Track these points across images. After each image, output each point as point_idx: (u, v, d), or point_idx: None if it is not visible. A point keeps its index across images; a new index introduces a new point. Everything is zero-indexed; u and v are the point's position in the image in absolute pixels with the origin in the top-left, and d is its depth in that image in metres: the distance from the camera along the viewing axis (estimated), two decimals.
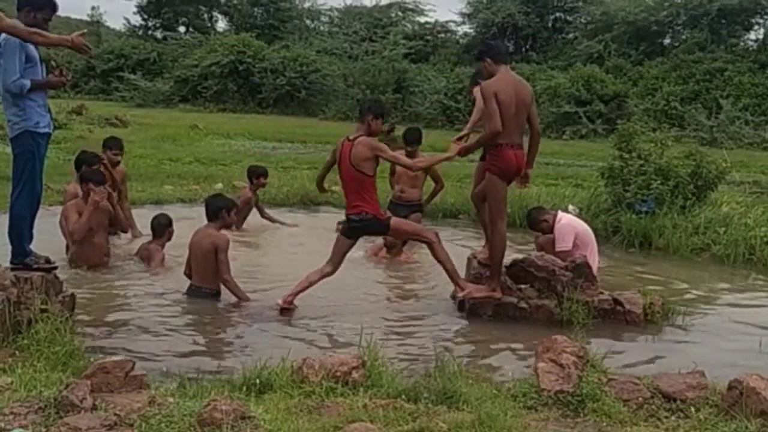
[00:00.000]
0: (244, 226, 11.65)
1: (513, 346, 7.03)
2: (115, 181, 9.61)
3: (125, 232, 10.00)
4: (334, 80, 43.23)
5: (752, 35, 43.91)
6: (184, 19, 58.91)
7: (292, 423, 4.46)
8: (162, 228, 9.26)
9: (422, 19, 54.73)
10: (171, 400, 4.62)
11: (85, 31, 6.73)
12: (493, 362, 6.60)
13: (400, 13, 54.82)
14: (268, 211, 12.35)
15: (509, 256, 8.09)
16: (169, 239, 9.30)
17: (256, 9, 55.25)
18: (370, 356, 5.37)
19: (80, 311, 7.01)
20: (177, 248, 9.11)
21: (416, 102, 39.42)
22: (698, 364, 5.63)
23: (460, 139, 8.22)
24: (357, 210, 7.78)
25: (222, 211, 8.15)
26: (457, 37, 53.99)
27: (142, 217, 10.44)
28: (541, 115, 27.39)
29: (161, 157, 19.97)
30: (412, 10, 55.00)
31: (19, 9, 6.39)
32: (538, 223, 9.16)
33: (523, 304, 7.72)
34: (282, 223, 12.29)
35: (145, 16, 59.02)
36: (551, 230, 8.99)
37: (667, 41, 45.72)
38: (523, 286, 7.90)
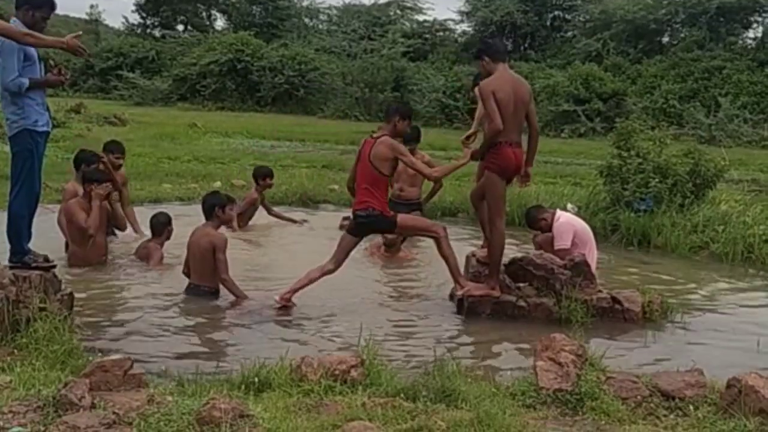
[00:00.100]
0: (250, 223, 11.71)
1: (511, 344, 7.04)
2: (116, 182, 9.60)
3: (123, 230, 9.98)
4: (332, 79, 43.21)
5: (751, 33, 44.00)
6: (182, 17, 58.91)
7: (290, 421, 4.46)
8: (161, 227, 9.25)
9: (421, 18, 54.82)
10: (170, 398, 4.62)
11: (80, 32, 6.70)
12: (491, 361, 6.61)
13: (398, 12, 54.82)
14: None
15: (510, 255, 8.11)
16: (168, 238, 9.29)
17: (254, 7, 55.27)
18: (368, 355, 5.37)
19: (79, 310, 7.01)
20: (175, 247, 9.10)
21: (415, 100, 39.39)
22: (697, 362, 5.64)
23: (468, 138, 8.19)
24: (364, 206, 7.78)
25: (215, 208, 8.14)
26: (456, 36, 54.02)
27: (141, 216, 10.43)
28: (539, 114, 27.39)
29: (160, 156, 19.96)
30: (410, 8, 55.01)
31: (18, 7, 6.38)
32: (536, 221, 9.16)
33: (522, 303, 7.73)
34: (291, 221, 12.31)
35: (144, 15, 59.02)
36: (550, 229, 8.99)
37: (665, 39, 45.73)
38: (521, 285, 7.90)
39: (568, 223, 9.01)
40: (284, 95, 43.29)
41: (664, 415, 4.96)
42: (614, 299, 7.72)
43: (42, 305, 6.03)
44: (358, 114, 40.06)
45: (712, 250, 11.02)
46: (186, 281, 8.15)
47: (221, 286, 7.97)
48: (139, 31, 58.27)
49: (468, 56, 44.85)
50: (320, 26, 56.98)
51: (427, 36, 51.86)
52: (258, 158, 20.82)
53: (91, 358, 5.35)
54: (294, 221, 12.33)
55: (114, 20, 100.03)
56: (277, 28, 53.34)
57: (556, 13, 51.16)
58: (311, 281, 7.75)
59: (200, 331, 7.09)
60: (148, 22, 59.15)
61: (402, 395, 4.94)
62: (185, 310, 7.64)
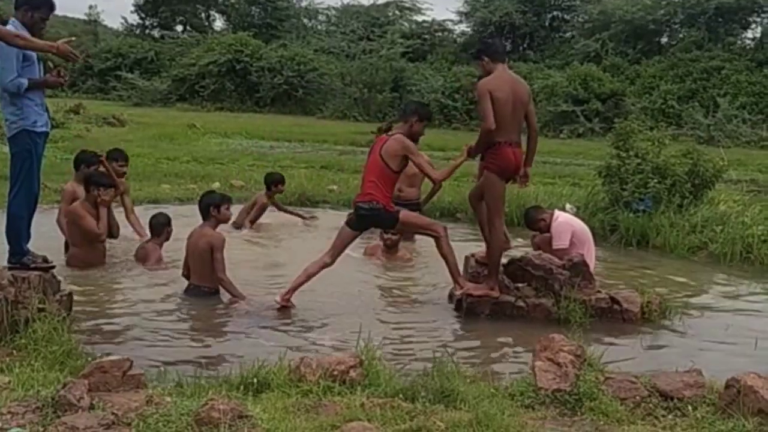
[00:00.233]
0: (260, 222, 11.90)
1: (510, 344, 7.04)
2: (117, 187, 9.59)
3: (115, 237, 9.88)
4: (331, 79, 43.25)
5: (749, 34, 44.08)
6: (181, 18, 58.92)
7: (289, 422, 4.46)
8: (160, 227, 9.25)
9: (420, 18, 54.90)
10: (168, 399, 4.62)
11: (74, 38, 6.70)
12: (490, 361, 6.61)
13: (397, 12, 54.85)
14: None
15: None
16: (167, 239, 9.28)
17: (253, 8, 55.31)
18: (367, 355, 5.37)
19: (78, 310, 7.01)
20: (174, 247, 9.10)
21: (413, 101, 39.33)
22: (695, 362, 5.64)
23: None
24: (368, 198, 7.77)
25: (210, 208, 8.14)
26: (455, 36, 54.07)
27: (140, 216, 10.42)
28: (538, 114, 27.41)
29: (159, 156, 19.96)
30: (409, 8, 55.06)
31: (17, 8, 6.38)
32: (535, 222, 9.16)
33: (521, 303, 7.73)
34: (301, 216, 12.54)
35: (143, 15, 59.05)
36: (548, 229, 8.99)
37: (664, 40, 45.77)
38: (520, 285, 7.90)
39: (566, 223, 9.02)
40: (283, 96, 43.32)
41: (663, 416, 4.96)
42: (613, 299, 7.72)
43: (41, 306, 6.03)
44: (357, 114, 40.10)
45: (711, 250, 11.02)
46: (185, 281, 8.15)
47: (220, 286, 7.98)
48: (137, 31, 58.30)
49: (467, 57, 44.85)
50: (319, 27, 57.01)
51: (426, 36, 51.88)
52: (257, 159, 20.84)
53: (89, 359, 5.35)
54: (303, 217, 12.51)
55: (113, 21, 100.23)
56: (276, 28, 53.36)
57: (555, 13, 51.21)
58: (309, 277, 7.74)
59: (199, 332, 7.09)
60: (147, 22, 59.16)
61: (401, 396, 4.94)
62: (184, 311, 7.64)
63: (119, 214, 9.79)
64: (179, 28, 58.51)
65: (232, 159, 20.49)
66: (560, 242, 8.80)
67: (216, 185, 14.47)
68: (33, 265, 6.45)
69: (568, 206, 11.88)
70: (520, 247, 9.94)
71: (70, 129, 25.02)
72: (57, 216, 9.49)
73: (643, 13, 43.64)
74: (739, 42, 42.77)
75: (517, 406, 4.95)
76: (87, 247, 8.87)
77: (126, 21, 60.24)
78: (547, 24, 50.99)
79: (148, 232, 9.52)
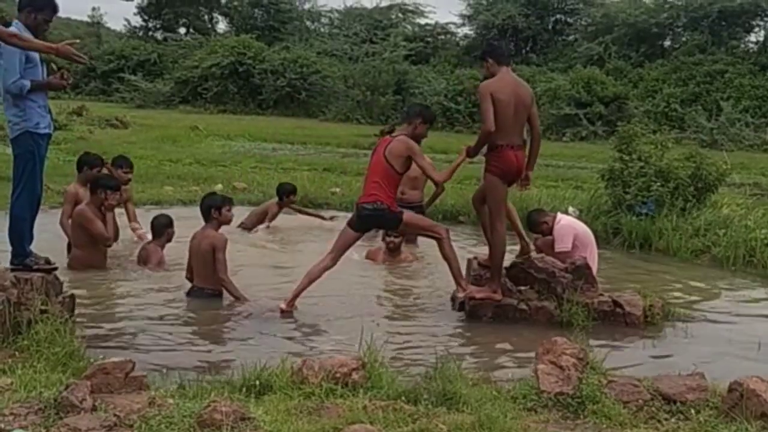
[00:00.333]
0: (275, 223, 12.01)
1: (513, 347, 7.03)
2: (122, 194, 9.60)
3: (114, 241, 9.85)
4: (334, 82, 43.28)
5: (752, 37, 44.09)
6: (184, 20, 59.00)
7: (291, 424, 4.46)
8: (161, 228, 9.25)
9: (422, 21, 54.98)
10: (171, 401, 4.62)
11: (77, 40, 6.70)
12: (493, 364, 6.60)
13: (400, 15, 54.90)
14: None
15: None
16: (169, 240, 9.28)
17: (256, 10, 55.34)
18: (370, 358, 5.36)
19: (80, 312, 7.01)
20: (176, 249, 9.11)
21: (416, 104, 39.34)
22: (698, 366, 5.63)
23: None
24: (372, 198, 7.76)
25: (211, 210, 8.14)
26: (458, 39, 54.09)
27: (143, 218, 10.43)
28: (541, 117, 27.39)
29: (161, 158, 19.99)
30: (412, 11, 55.10)
31: (20, 9, 6.39)
32: (538, 225, 9.15)
33: (523, 306, 7.72)
34: (321, 218, 12.65)
35: (146, 17, 59.12)
36: (551, 232, 8.99)
37: (667, 43, 45.80)
38: (523, 288, 7.90)
39: (568, 225, 9.01)
40: (286, 98, 43.36)
41: (666, 419, 4.95)
42: (615, 303, 7.71)
43: (43, 307, 6.02)
44: (360, 117, 40.11)
45: (714, 253, 11.01)
46: (187, 284, 8.15)
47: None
48: (140, 33, 58.37)
49: (470, 60, 44.96)
50: (322, 29, 57.06)
51: (429, 39, 51.92)
52: (259, 161, 20.86)
53: (92, 361, 5.35)
54: (323, 218, 12.61)
55: (116, 23, 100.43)
56: (279, 31, 53.41)
57: (558, 16, 51.22)
58: (312, 281, 7.73)
59: (201, 334, 7.09)
60: (150, 24, 59.25)
61: (403, 398, 4.93)
62: (186, 313, 7.64)
63: (118, 217, 9.79)
64: (182, 30, 58.62)
65: (235, 161, 20.51)
66: (563, 245, 8.79)
67: (219, 187, 14.48)
68: (36, 267, 6.45)
69: (570, 209, 11.85)
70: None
71: (72, 131, 25.09)
72: (60, 218, 9.49)
73: (646, 17, 43.68)
74: (742, 45, 42.78)
75: (520, 409, 4.95)
76: (90, 249, 8.88)
77: (129, 23, 60.36)
78: (550, 27, 50.98)
79: (149, 234, 9.52)
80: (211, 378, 5.38)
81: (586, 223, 9.85)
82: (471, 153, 7.80)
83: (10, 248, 6.50)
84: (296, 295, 7.63)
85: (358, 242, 8.30)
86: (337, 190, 15.23)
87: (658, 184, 11.77)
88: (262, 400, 4.86)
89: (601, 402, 4.99)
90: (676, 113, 35.78)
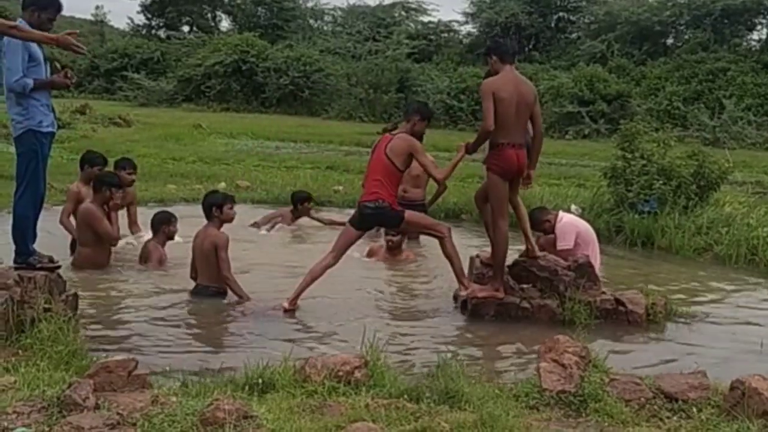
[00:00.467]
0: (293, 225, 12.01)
1: (515, 346, 7.04)
2: (125, 196, 9.62)
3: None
4: (337, 80, 43.27)
5: (755, 35, 44.05)
6: (187, 18, 59.02)
7: (294, 422, 4.47)
8: (157, 225, 9.25)
9: (425, 19, 54.92)
10: (174, 399, 4.63)
11: (77, 31, 6.70)
12: (495, 362, 6.62)
13: (403, 13, 54.89)
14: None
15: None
16: (170, 237, 9.27)
17: (259, 8, 55.35)
18: (372, 356, 5.37)
19: (83, 310, 7.02)
20: (180, 248, 9.12)
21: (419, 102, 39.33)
22: (700, 364, 5.64)
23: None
24: (374, 197, 7.76)
25: (213, 208, 8.15)
26: (461, 37, 54.08)
27: (145, 216, 10.43)
28: (543, 115, 27.43)
29: (165, 157, 19.99)
30: (415, 9, 55.07)
31: (24, 8, 6.40)
32: (540, 223, 9.14)
33: (526, 304, 7.72)
34: (340, 223, 12.49)
35: (149, 16, 59.16)
36: (553, 230, 8.99)
37: (670, 41, 45.76)
38: (525, 286, 7.90)
39: (570, 224, 9.02)
40: (289, 96, 43.35)
41: (668, 417, 4.96)
42: (618, 301, 7.72)
43: (47, 306, 6.05)
44: (363, 115, 40.12)
45: (716, 252, 11.02)
46: (191, 282, 8.16)
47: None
48: (144, 32, 58.40)
49: (473, 57, 44.96)
50: (325, 27, 57.08)
51: (432, 37, 51.90)
52: (263, 159, 20.86)
53: (95, 359, 5.37)
54: (342, 224, 12.47)
55: (119, 21, 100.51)
56: (282, 29, 53.41)
57: (561, 14, 51.18)
58: (314, 279, 7.74)
59: (204, 332, 7.10)
60: (153, 23, 59.27)
61: (405, 396, 4.94)
62: (189, 311, 7.65)
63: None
64: (185, 28, 58.60)
65: (238, 159, 20.51)
66: (564, 243, 8.79)
67: (222, 185, 14.50)
68: (39, 265, 6.47)
69: (573, 207, 11.86)
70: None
71: (76, 129, 25.08)
72: (60, 216, 9.50)
73: (649, 15, 43.63)
74: (744, 43, 42.73)
75: (522, 407, 4.96)
76: (96, 248, 8.87)
77: (132, 21, 60.41)
78: (552, 25, 50.94)
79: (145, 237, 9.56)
80: (214, 376, 5.40)
81: (588, 221, 9.86)
82: (470, 150, 7.82)
83: (13, 247, 6.51)
84: (298, 294, 7.63)
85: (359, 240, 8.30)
86: (340, 188, 15.24)
87: (661, 182, 11.77)
88: (264, 399, 4.87)
89: (603, 400, 5.00)
90: (678, 111, 35.73)
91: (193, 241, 8.21)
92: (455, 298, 8.15)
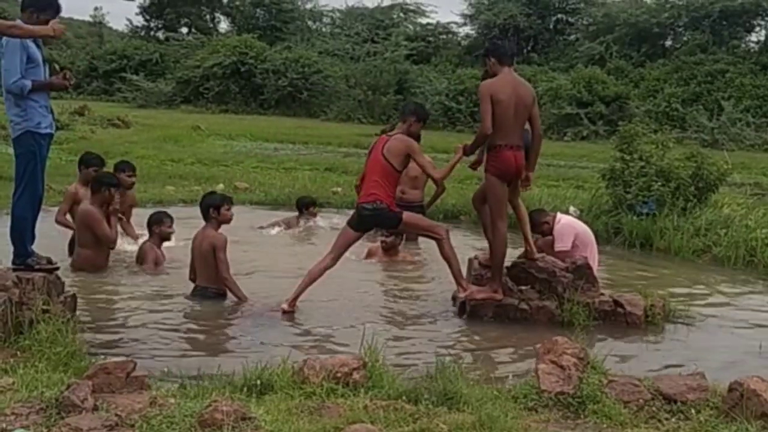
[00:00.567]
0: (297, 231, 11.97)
1: (513, 347, 7.03)
2: (125, 199, 9.62)
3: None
4: (335, 81, 43.32)
5: (753, 37, 44.17)
6: (186, 20, 59.05)
7: (292, 424, 4.46)
8: (151, 226, 9.26)
9: (424, 21, 55.04)
10: (172, 400, 4.62)
11: (57, 19, 6.65)
12: (493, 363, 6.61)
13: (401, 15, 54.95)
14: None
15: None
16: (165, 238, 9.26)
17: (258, 10, 55.40)
18: (370, 357, 5.37)
19: (81, 312, 7.02)
20: (178, 250, 9.12)
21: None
22: (699, 365, 5.64)
23: None
24: (372, 198, 7.74)
25: (210, 210, 8.14)
26: (459, 39, 54.20)
27: (141, 217, 10.43)
28: (542, 117, 27.44)
29: (163, 158, 20.00)
30: (413, 11, 55.15)
31: (23, 9, 6.40)
32: (539, 225, 9.12)
33: (524, 306, 7.72)
34: None
35: (148, 17, 59.20)
36: (551, 232, 8.98)
37: (668, 43, 45.85)
38: (523, 288, 7.90)
39: (569, 225, 9.01)
40: (287, 98, 43.40)
41: (666, 419, 4.96)
42: (616, 302, 7.71)
43: (45, 307, 6.03)
44: (361, 117, 40.16)
45: (715, 253, 11.02)
46: (189, 284, 8.15)
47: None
48: (142, 33, 58.45)
49: (471, 59, 45.00)
50: (323, 29, 57.12)
51: (430, 39, 51.98)
52: (261, 161, 20.87)
53: (93, 360, 5.36)
54: None
55: (118, 23, 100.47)
56: (281, 30, 53.45)
57: (559, 16, 51.26)
58: (313, 280, 7.73)
59: (202, 333, 7.09)
60: (152, 24, 59.32)
61: (404, 398, 4.93)
62: (187, 313, 7.64)
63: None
64: (184, 30, 58.67)
65: (237, 161, 20.53)
66: (562, 244, 8.79)
67: (220, 187, 14.49)
68: (37, 267, 6.46)
69: (571, 209, 11.87)
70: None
71: (74, 131, 25.09)
72: (56, 215, 9.50)
73: (648, 16, 43.71)
74: (743, 45, 42.82)
75: (521, 409, 4.95)
76: (96, 249, 8.86)
77: (131, 23, 60.44)
78: (551, 27, 51.03)
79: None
80: (212, 378, 5.39)
81: (587, 222, 9.86)
82: (467, 152, 7.82)
83: (11, 248, 6.51)
84: (297, 295, 7.62)
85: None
86: (339, 189, 15.24)
87: (659, 183, 11.77)
88: (263, 400, 4.86)
89: (601, 402, 5.00)
90: (677, 113, 35.79)
91: (192, 242, 8.21)
92: (454, 299, 8.15)
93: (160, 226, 9.22)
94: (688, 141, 28.14)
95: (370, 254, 10.17)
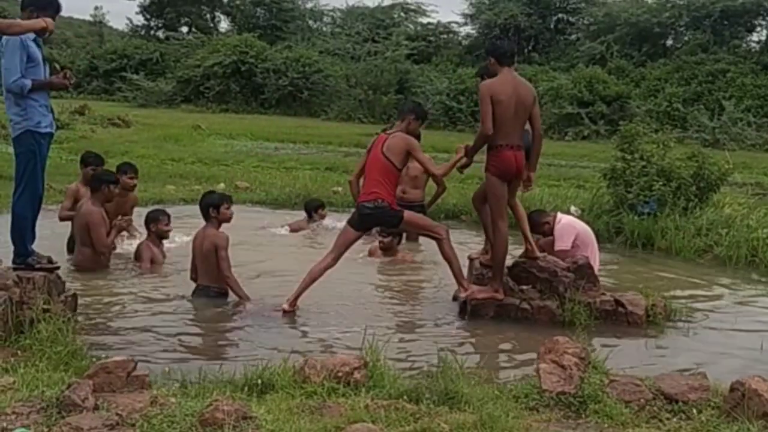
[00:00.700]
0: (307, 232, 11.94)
1: (515, 347, 7.03)
2: (127, 201, 9.60)
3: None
4: (336, 81, 43.30)
5: (755, 37, 44.12)
6: (186, 19, 59.06)
7: (293, 423, 4.46)
8: (147, 225, 9.26)
9: (425, 20, 54.98)
10: (173, 400, 4.62)
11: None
12: (494, 363, 6.60)
13: (402, 14, 54.91)
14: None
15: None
16: (162, 236, 9.27)
17: (258, 9, 55.36)
18: (371, 357, 5.37)
19: (82, 311, 7.01)
20: (179, 249, 9.11)
21: (418, 103, 39.33)
22: (700, 365, 5.64)
23: None
24: (373, 196, 7.73)
25: (210, 209, 8.13)
26: (460, 38, 54.15)
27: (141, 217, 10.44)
28: (543, 116, 27.45)
29: (164, 158, 19.99)
30: (414, 10, 55.11)
31: (23, 9, 6.40)
32: (539, 225, 9.12)
33: (525, 305, 7.71)
34: None
35: (148, 16, 59.20)
36: (552, 232, 8.97)
37: (669, 42, 45.81)
38: (525, 287, 7.89)
39: (569, 225, 9.00)
40: (288, 97, 43.38)
41: (667, 419, 4.95)
42: (617, 302, 7.70)
43: (46, 306, 6.04)
44: (362, 116, 40.15)
45: (716, 253, 11.01)
46: (190, 283, 8.15)
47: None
48: (143, 32, 58.44)
49: (472, 59, 44.99)
50: (324, 28, 57.10)
51: (431, 38, 51.94)
52: (262, 160, 20.87)
53: (94, 360, 5.36)
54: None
55: (118, 22, 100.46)
56: (281, 30, 53.44)
57: (560, 15, 51.17)
58: (314, 280, 7.72)
59: (203, 333, 7.10)
60: (152, 23, 59.31)
61: (405, 397, 4.93)
62: (188, 312, 7.65)
63: None
64: (184, 29, 58.66)
65: (237, 160, 20.52)
66: (562, 244, 8.78)
67: (221, 186, 14.49)
68: (38, 266, 6.46)
69: (572, 209, 11.87)
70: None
71: (75, 130, 25.09)
72: (58, 212, 9.52)
73: (648, 16, 43.67)
74: (744, 45, 42.77)
75: (522, 409, 4.95)
76: (91, 248, 8.86)
77: (131, 22, 60.44)
78: (552, 26, 50.96)
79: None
80: (213, 377, 5.39)
81: (587, 222, 9.85)
82: (469, 153, 7.81)
83: (12, 247, 6.51)
84: (298, 295, 7.62)
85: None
86: (339, 189, 15.21)
87: (660, 183, 11.76)
88: (264, 399, 4.86)
89: (602, 401, 4.99)
90: (678, 112, 35.76)
91: (192, 242, 8.21)
92: (455, 299, 8.15)
93: (156, 224, 9.23)
94: (689, 141, 28.13)
95: (370, 254, 10.17)
